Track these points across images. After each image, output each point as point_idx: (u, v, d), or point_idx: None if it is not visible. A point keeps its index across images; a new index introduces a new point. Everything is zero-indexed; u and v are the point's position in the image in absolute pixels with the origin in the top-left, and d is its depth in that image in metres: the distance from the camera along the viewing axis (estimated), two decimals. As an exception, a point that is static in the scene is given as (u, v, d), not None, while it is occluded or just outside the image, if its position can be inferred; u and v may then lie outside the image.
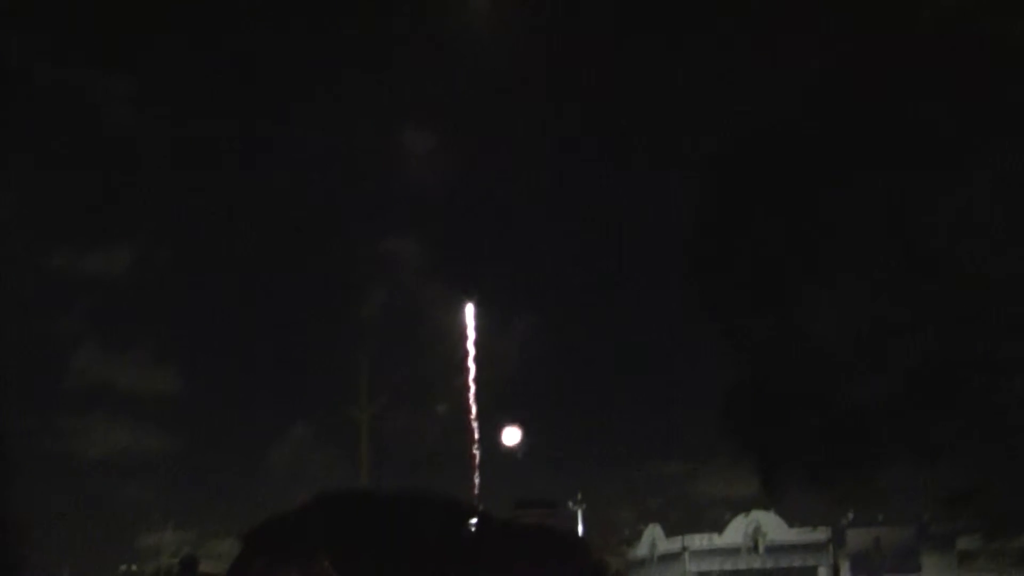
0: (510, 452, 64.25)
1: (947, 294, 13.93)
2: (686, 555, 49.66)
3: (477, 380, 63.85)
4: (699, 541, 50.10)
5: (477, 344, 64.47)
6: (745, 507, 49.63)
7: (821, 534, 47.84)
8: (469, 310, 65.42)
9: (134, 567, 69.29)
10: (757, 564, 48.35)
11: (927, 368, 14.42)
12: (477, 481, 62.95)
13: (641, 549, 53.78)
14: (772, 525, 48.49)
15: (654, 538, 52.56)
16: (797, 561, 47.39)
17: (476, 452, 62.15)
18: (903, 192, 14.03)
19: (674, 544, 50.68)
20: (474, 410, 62.74)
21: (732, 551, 49.06)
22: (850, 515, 46.30)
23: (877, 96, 14.23)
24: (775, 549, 48.26)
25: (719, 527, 50.51)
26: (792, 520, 48.47)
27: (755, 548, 48.56)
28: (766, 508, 48.48)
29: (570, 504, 59.43)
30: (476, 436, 62.48)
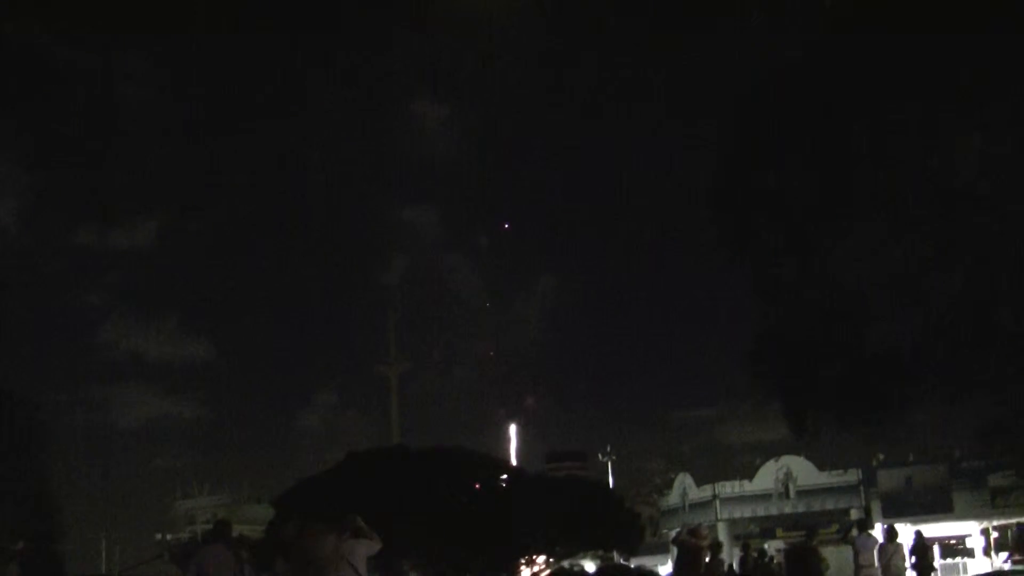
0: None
1: (975, 231, 13.78)
2: (717, 503, 49.73)
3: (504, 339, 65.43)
4: (730, 488, 50.14)
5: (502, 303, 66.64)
6: (775, 452, 49.63)
7: (852, 476, 47.72)
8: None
9: (169, 536, 70.10)
10: (788, 509, 48.33)
11: (957, 306, 14.29)
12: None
13: (672, 498, 53.95)
14: (802, 470, 48.44)
15: (685, 487, 52.70)
16: (829, 504, 47.33)
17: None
18: (929, 130, 13.86)
19: (705, 492, 50.78)
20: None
21: (763, 497, 49.07)
22: (880, 456, 46.22)
23: (901, 33, 14.02)
24: (806, 493, 48.21)
25: (749, 473, 50.54)
26: (822, 464, 48.41)
27: (786, 493, 48.54)
28: (796, 453, 48.45)
29: (600, 456, 59.75)
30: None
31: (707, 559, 21.29)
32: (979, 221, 13.74)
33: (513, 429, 61.54)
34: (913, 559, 26.83)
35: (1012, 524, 45.47)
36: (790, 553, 20.13)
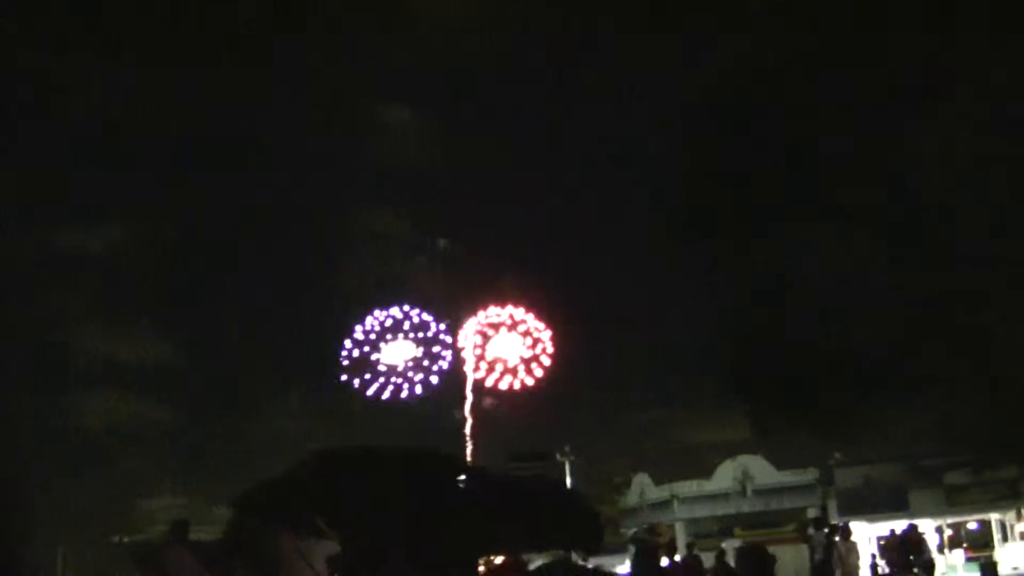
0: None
1: (932, 228, 13.97)
2: (675, 502, 49.96)
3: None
4: (688, 488, 50.40)
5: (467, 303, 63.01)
6: (734, 451, 49.96)
7: (809, 475, 48.19)
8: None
9: (126, 539, 69.24)
10: (746, 508, 48.66)
11: (913, 302, 14.47)
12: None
13: (631, 498, 54.09)
14: (760, 469, 48.84)
15: (643, 487, 52.85)
16: (786, 503, 47.73)
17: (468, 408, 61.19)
18: (888, 127, 14.04)
19: (663, 492, 50.98)
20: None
21: (721, 496, 49.41)
22: (837, 455, 46.66)
23: (860, 29, 14.21)
24: (763, 492, 48.61)
25: (708, 472, 50.82)
26: (780, 463, 48.81)
27: (743, 492, 48.89)
28: (753, 452, 48.87)
29: (557, 456, 59.53)
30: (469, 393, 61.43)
31: (677, 558, 21.50)
32: (937, 217, 13.93)
33: (468, 428, 59.63)
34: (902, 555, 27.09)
35: (966, 521, 46.14)
36: (742, 551, 20.35)
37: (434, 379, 60.52)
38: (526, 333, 60.72)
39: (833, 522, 34.19)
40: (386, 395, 59.39)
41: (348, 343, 59.73)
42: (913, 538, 27.49)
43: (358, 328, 60.50)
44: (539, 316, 61.38)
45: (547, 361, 60.45)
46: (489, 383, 60.25)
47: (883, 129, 14.05)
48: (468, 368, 61.65)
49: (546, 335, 60.63)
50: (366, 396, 59.41)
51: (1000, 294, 13.83)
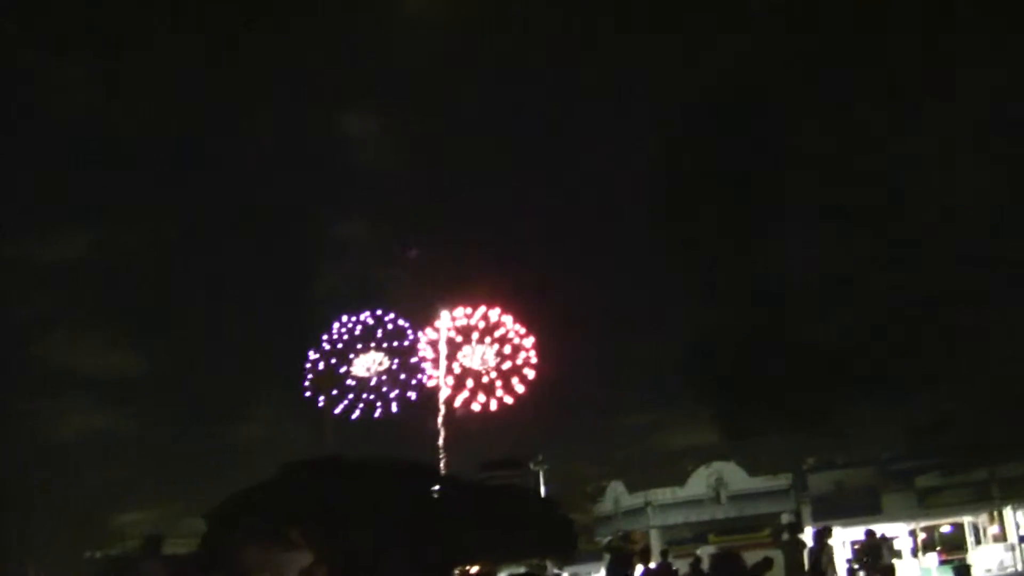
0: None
1: (907, 234, 14.06)
2: (649, 509, 49.95)
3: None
4: (662, 495, 50.38)
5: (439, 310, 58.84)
6: (708, 457, 50.00)
7: (782, 481, 48.30)
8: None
9: (98, 554, 68.62)
10: (720, 514, 48.68)
11: (886, 308, 14.56)
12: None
13: (605, 505, 54.00)
14: (733, 475, 48.90)
15: (617, 494, 52.77)
16: (760, 509, 47.75)
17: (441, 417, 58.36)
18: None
19: (637, 499, 50.95)
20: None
21: (695, 503, 49.41)
22: (810, 460, 46.84)
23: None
24: (737, 498, 48.66)
25: (682, 479, 50.83)
26: (753, 469, 48.89)
27: (717, 499, 48.93)
28: (726, 458, 48.96)
29: (531, 465, 59.20)
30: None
31: (651, 565, 21.46)
32: (913, 225, 14.01)
33: (441, 440, 55.38)
34: (864, 560, 27.10)
35: (940, 524, 46.34)
36: (717, 558, 20.47)
37: (412, 394, 56.36)
38: (503, 340, 57.04)
39: (808, 526, 34.34)
40: (356, 414, 55.09)
41: (313, 354, 55.19)
42: (872, 543, 27.56)
43: (324, 337, 56.23)
44: (518, 319, 57.88)
45: (531, 374, 56.68)
46: (459, 402, 56.21)
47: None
48: (440, 379, 57.80)
49: (528, 342, 56.78)
50: (333, 415, 55.12)
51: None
